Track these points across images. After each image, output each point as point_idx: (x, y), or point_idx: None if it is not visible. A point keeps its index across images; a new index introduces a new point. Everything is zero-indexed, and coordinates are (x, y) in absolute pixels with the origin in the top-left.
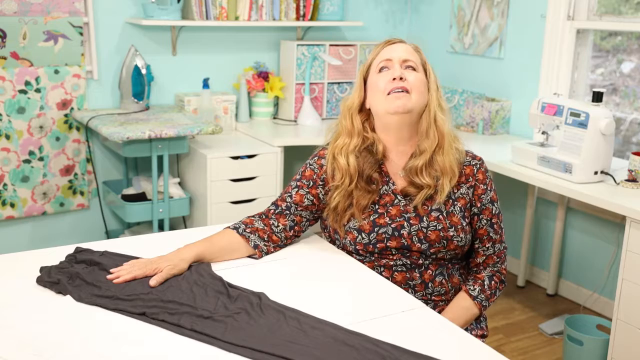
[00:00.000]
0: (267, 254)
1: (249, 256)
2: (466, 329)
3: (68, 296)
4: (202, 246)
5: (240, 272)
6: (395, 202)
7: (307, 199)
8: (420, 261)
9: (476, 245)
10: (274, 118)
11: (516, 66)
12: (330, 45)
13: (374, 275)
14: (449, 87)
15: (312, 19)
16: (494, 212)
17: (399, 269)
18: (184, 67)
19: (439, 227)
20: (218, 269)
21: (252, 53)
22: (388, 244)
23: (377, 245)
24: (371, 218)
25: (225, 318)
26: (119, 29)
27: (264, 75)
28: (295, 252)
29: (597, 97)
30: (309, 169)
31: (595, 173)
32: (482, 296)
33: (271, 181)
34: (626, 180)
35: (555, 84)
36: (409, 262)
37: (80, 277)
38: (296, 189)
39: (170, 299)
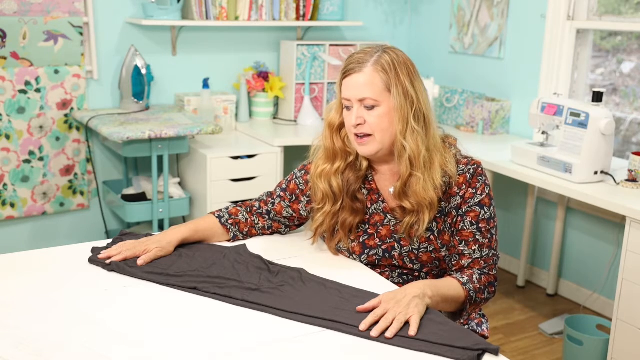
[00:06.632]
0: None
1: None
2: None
3: (65, 296)
4: (188, 231)
5: None
6: (386, 221)
7: (287, 212)
8: (417, 273)
9: (461, 248)
10: (274, 118)
11: (516, 66)
12: (330, 45)
13: (367, 270)
14: (449, 87)
15: (312, 19)
16: (482, 216)
17: (396, 280)
18: (184, 67)
19: (430, 249)
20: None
21: (252, 53)
22: (380, 264)
23: (369, 266)
24: (361, 240)
25: (272, 290)
26: (119, 29)
27: (264, 75)
28: (293, 251)
29: (597, 97)
30: (294, 182)
31: (595, 173)
32: (471, 286)
33: (271, 181)
34: (626, 180)
35: (555, 84)
36: (405, 276)
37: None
38: (279, 199)
39: (216, 274)
